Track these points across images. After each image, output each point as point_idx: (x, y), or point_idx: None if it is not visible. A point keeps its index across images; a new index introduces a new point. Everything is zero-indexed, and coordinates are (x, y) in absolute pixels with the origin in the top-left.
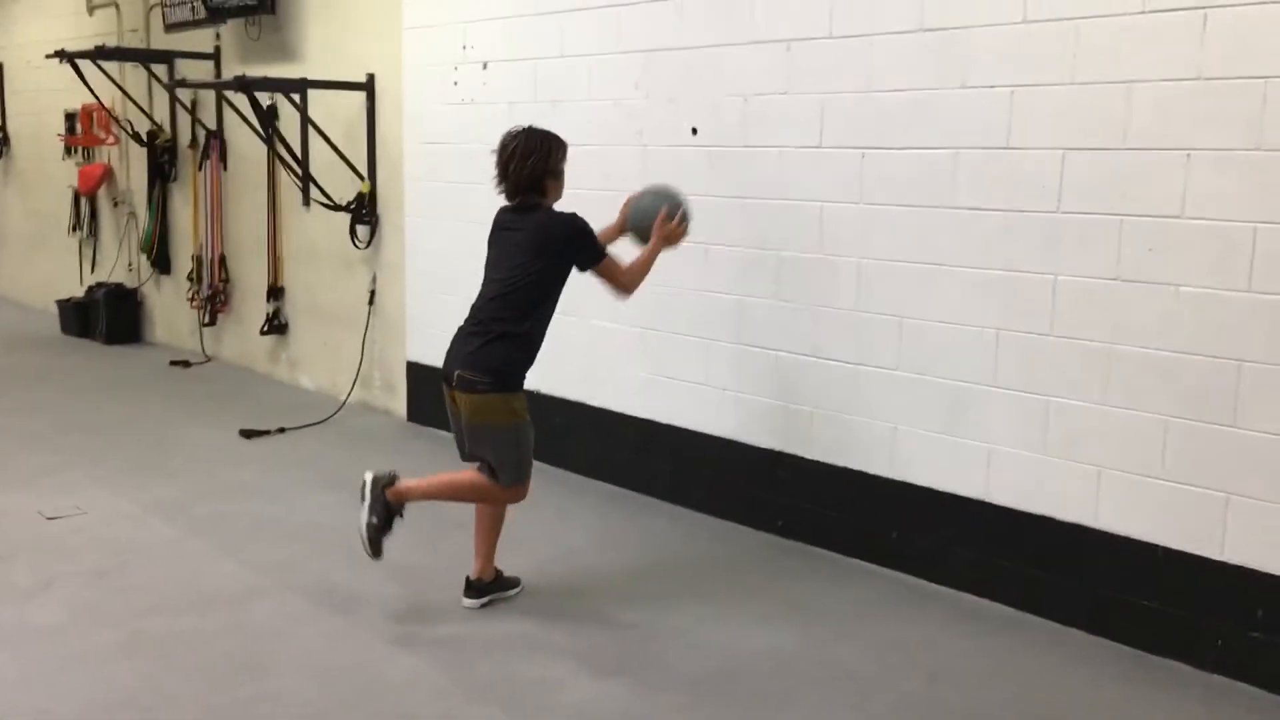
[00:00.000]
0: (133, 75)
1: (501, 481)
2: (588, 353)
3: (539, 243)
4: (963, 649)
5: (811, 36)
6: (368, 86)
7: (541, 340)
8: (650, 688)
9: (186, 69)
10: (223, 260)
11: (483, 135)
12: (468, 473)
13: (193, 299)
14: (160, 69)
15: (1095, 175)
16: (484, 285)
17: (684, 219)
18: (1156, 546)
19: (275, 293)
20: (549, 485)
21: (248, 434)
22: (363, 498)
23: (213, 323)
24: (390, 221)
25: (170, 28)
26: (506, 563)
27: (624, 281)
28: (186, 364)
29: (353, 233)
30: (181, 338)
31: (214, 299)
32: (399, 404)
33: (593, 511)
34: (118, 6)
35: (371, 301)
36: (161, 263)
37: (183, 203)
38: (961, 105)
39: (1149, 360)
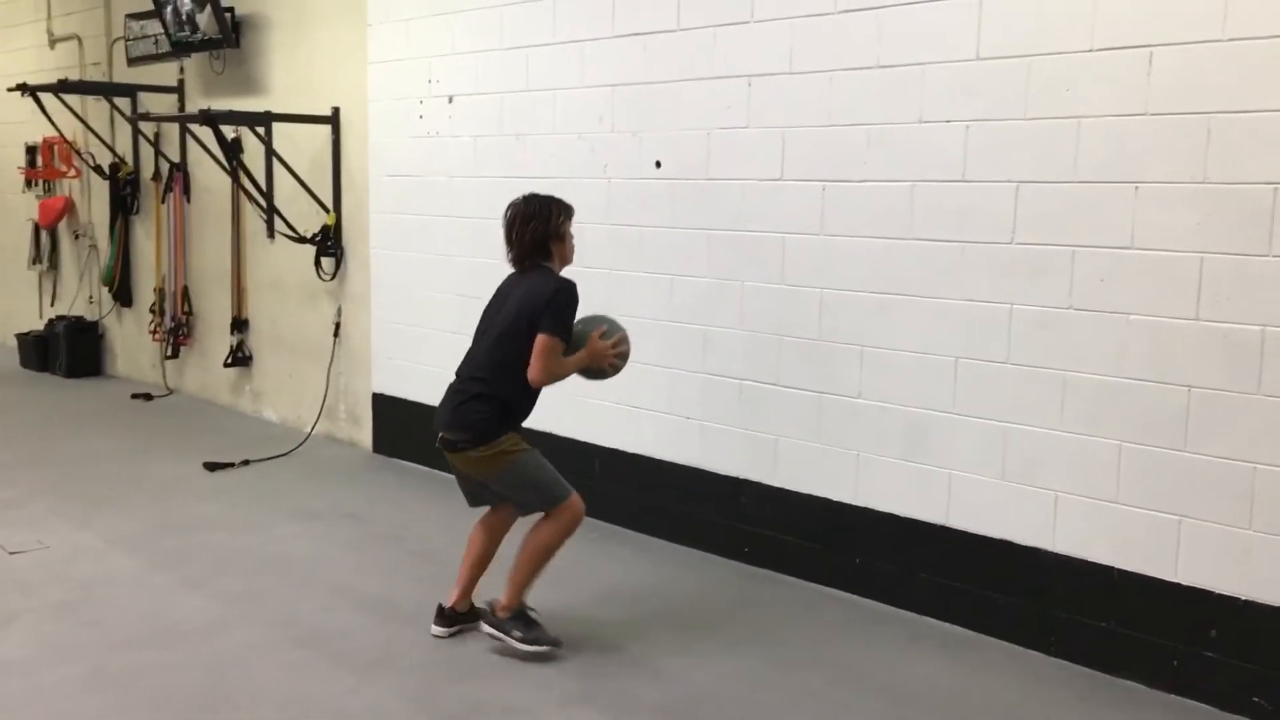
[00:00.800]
0: (95, 108)
1: (543, 509)
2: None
3: (526, 303)
4: (925, 672)
5: (772, 72)
6: (333, 120)
7: (520, 399)
8: (618, 715)
9: (149, 102)
10: (186, 293)
11: (448, 168)
12: (531, 537)
13: (155, 332)
14: (123, 102)
15: (1048, 207)
16: (474, 344)
17: (619, 343)
18: (1112, 569)
19: (239, 325)
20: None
21: (212, 466)
22: (496, 637)
23: (175, 355)
24: (355, 253)
25: (133, 61)
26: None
27: (543, 365)
28: (148, 397)
29: (318, 265)
30: (143, 371)
31: (176, 331)
32: (364, 435)
33: None
34: (80, 40)
35: (336, 333)
36: (123, 295)
37: (145, 235)
38: (918, 139)
39: (1102, 387)
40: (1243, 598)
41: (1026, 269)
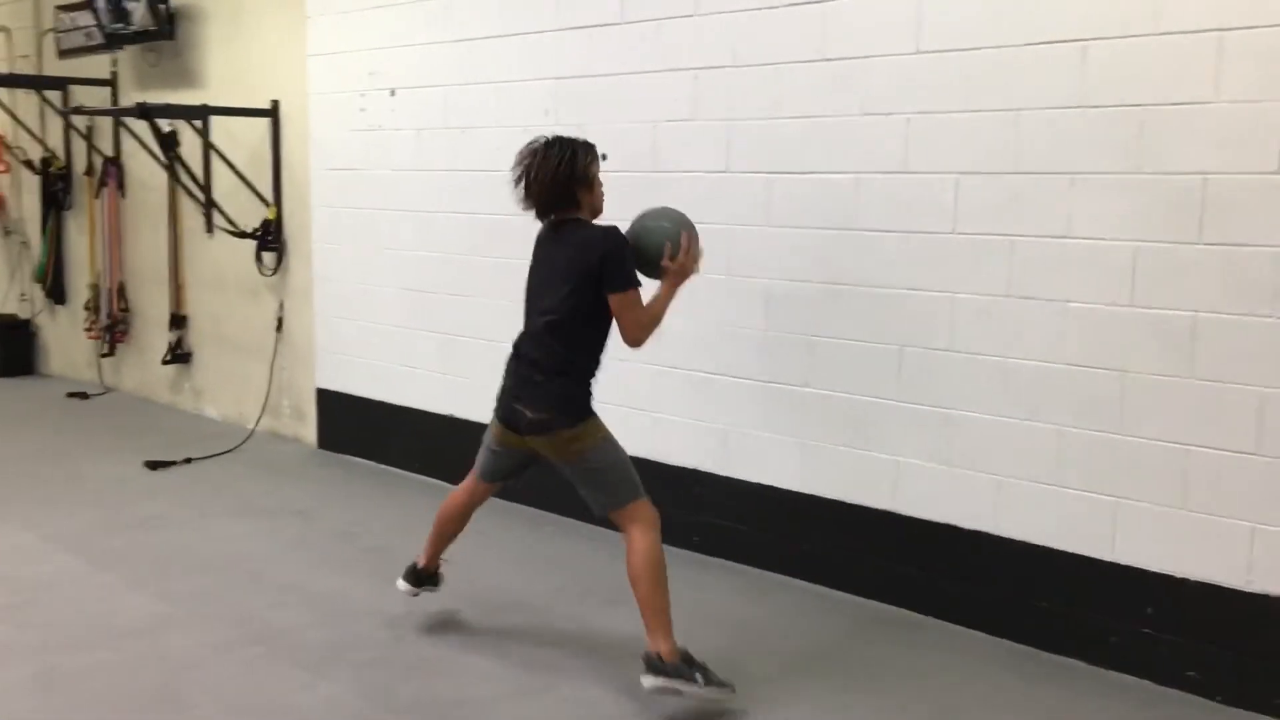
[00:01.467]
0: (25, 101)
1: (625, 508)
2: (498, 374)
3: (580, 266)
4: (872, 655)
5: (717, 65)
6: (272, 113)
7: (599, 366)
8: (581, 703)
9: (82, 96)
10: (122, 289)
11: (392, 161)
12: (637, 564)
13: (90, 329)
14: (54, 95)
15: (988, 198)
16: (528, 315)
17: (692, 246)
18: (1053, 550)
19: (178, 321)
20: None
21: (154, 465)
22: (670, 690)
23: (112, 353)
24: (297, 248)
25: (64, 54)
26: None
27: (640, 326)
28: (85, 395)
29: (259, 259)
30: (78, 369)
31: (113, 329)
32: (309, 431)
33: (510, 534)
34: (8, 32)
35: (279, 329)
36: (56, 293)
37: (78, 231)
38: (862, 132)
39: (1042, 373)
40: (1178, 575)
41: (968, 258)
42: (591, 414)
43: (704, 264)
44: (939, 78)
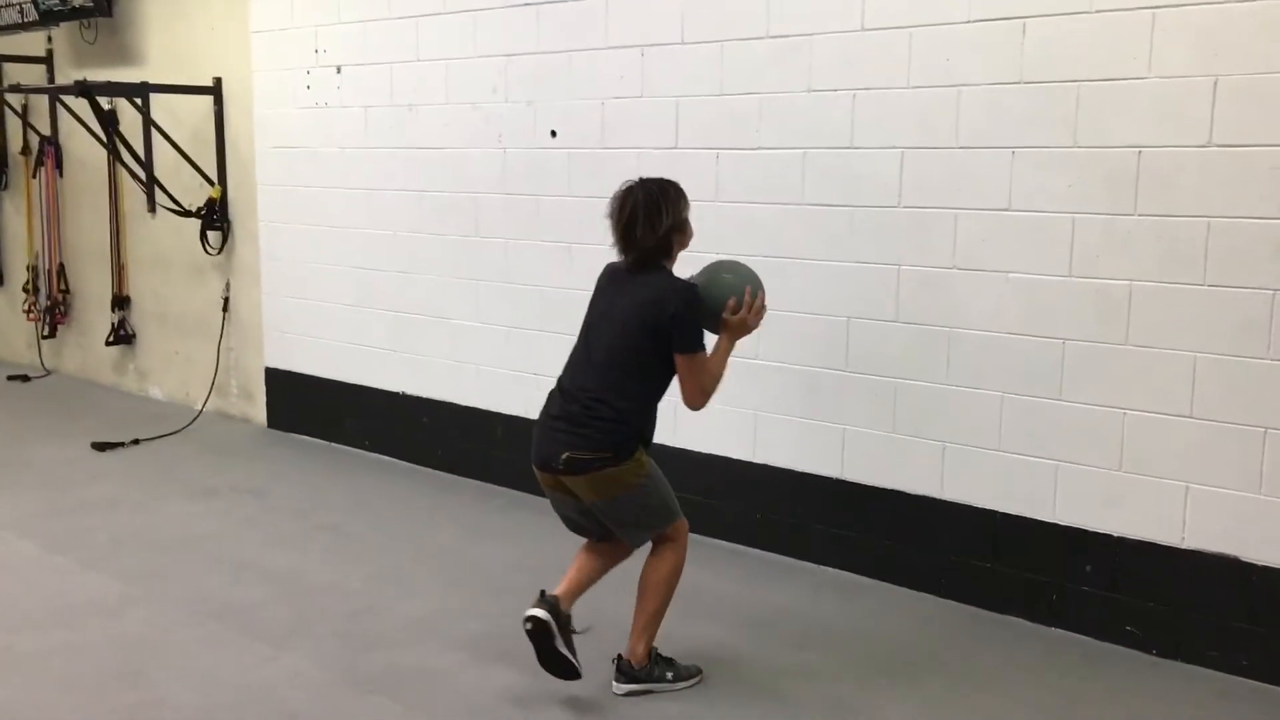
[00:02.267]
0: None
1: (640, 537)
2: (451, 351)
3: (647, 316)
4: (824, 615)
5: (665, 42)
6: (215, 90)
7: (650, 413)
8: (535, 669)
9: (16, 73)
10: (61, 270)
11: (339, 139)
12: (650, 574)
13: (29, 311)
14: None
15: (931, 172)
16: (584, 348)
17: (756, 300)
18: (995, 513)
19: (121, 302)
20: (416, 485)
21: (100, 446)
22: (644, 691)
23: (52, 335)
24: (243, 226)
25: None
26: (385, 558)
27: (696, 388)
28: (25, 378)
29: (203, 238)
30: (17, 351)
31: (53, 310)
32: (258, 411)
33: (462, 508)
34: None
35: (225, 308)
36: None
37: (15, 211)
38: (808, 108)
39: (984, 342)
40: (1115, 534)
41: (912, 232)
42: (637, 452)
43: (764, 321)
44: (882, 55)
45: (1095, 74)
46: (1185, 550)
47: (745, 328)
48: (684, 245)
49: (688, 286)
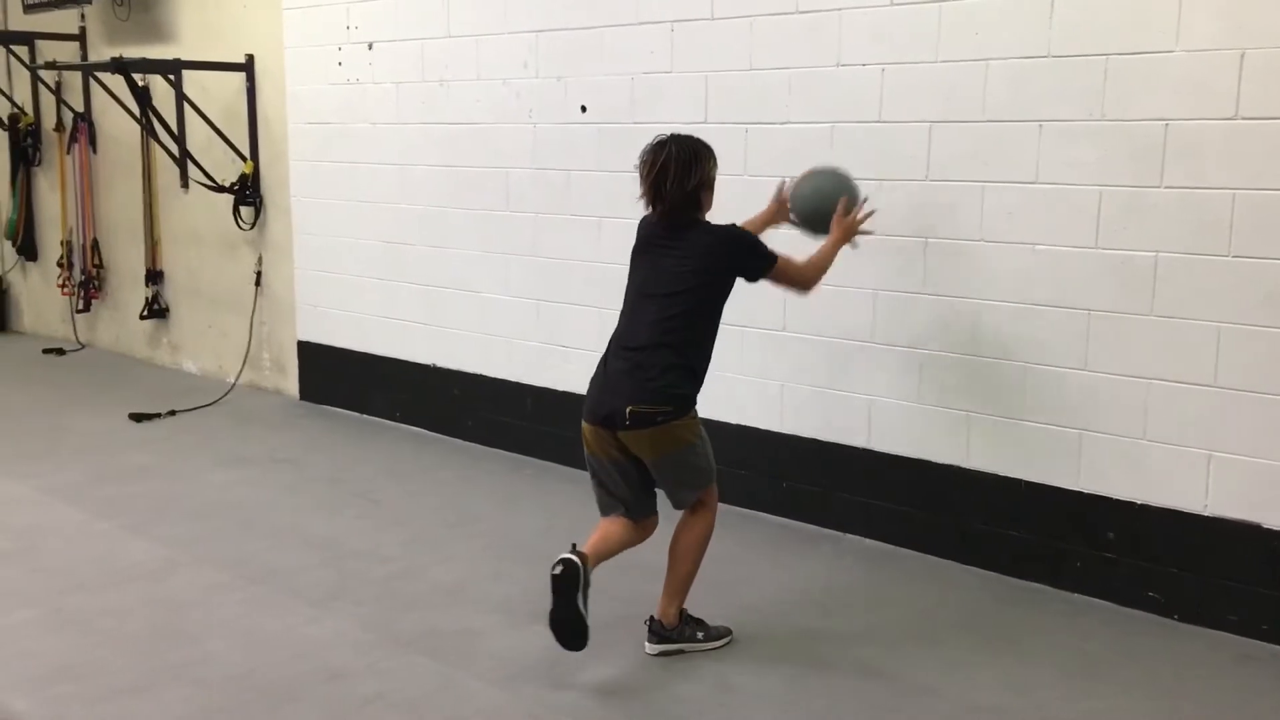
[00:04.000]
0: None
1: (696, 495)
2: (481, 324)
3: (705, 264)
4: (851, 582)
5: (694, 18)
6: (247, 67)
7: (705, 362)
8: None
9: (50, 50)
10: (95, 245)
11: (370, 115)
12: (684, 536)
13: (64, 285)
14: (22, 50)
15: (959, 146)
16: (635, 309)
17: (861, 208)
18: (1020, 481)
19: (154, 276)
20: (446, 455)
21: (138, 417)
22: (675, 652)
23: (86, 309)
24: (275, 202)
25: (29, 8)
26: (419, 525)
27: (806, 278)
28: (60, 351)
29: (236, 214)
30: (52, 325)
31: (87, 285)
32: (290, 383)
33: (493, 477)
34: None
35: (258, 282)
36: (27, 249)
37: (49, 187)
38: (836, 82)
39: (1011, 313)
40: (1138, 501)
41: (940, 204)
42: (692, 407)
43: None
44: (912, 29)
45: (1123, 47)
46: (1207, 517)
47: (853, 229)
48: (711, 202)
49: (733, 227)
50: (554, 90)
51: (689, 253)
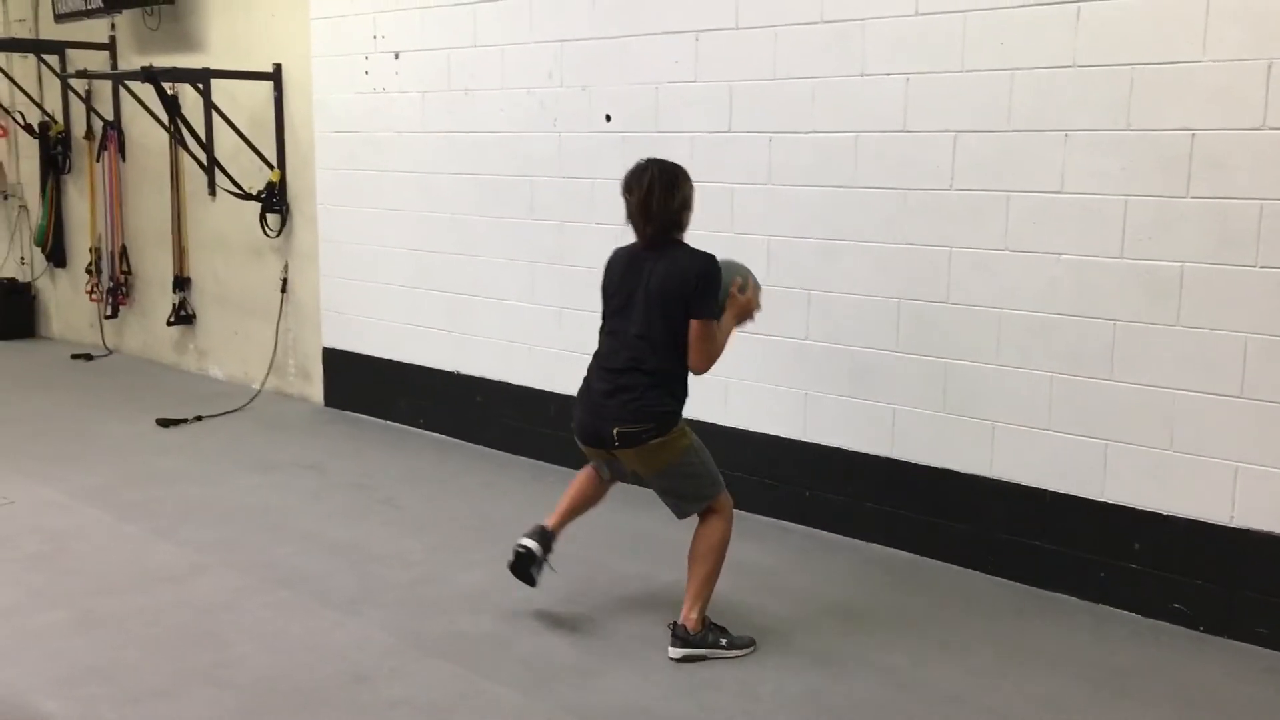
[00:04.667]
0: (21, 66)
1: (700, 505)
2: (504, 331)
3: (673, 284)
4: (873, 591)
5: (719, 27)
6: (275, 76)
7: (685, 381)
8: (592, 635)
9: (81, 59)
10: (124, 252)
11: (396, 124)
12: (700, 543)
13: (92, 292)
14: (52, 59)
15: (983, 155)
16: (615, 329)
17: (754, 289)
18: (1045, 491)
19: (181, 283)
20: (470, 462)
21: (165, 423)
22: (698, 657)
23: (114, 315)
24: (301, 210)
25: (60, 18)
26: (443, 530)
27: (703, 352)
28: (89, 357)
29: (263, 221)
30: (80, 331)
31: (115, 291)
32: (315, 390)
33: (516, 483)
34: None
35: (284, 289)
36: (57, 256)
37: (78, 195)
38: (861, 92)
39: (1035, 322)
40: (1163, 512)
41: (964, 213)
42: (679, 422)
43: (760, 314)
44: (937, 38)
45: (1149, 57)
46: (1234, 529)
47: (749, 309)
48: (688, 226)
49: (709, 256)
50: (579, 99)
51: (670, 272)
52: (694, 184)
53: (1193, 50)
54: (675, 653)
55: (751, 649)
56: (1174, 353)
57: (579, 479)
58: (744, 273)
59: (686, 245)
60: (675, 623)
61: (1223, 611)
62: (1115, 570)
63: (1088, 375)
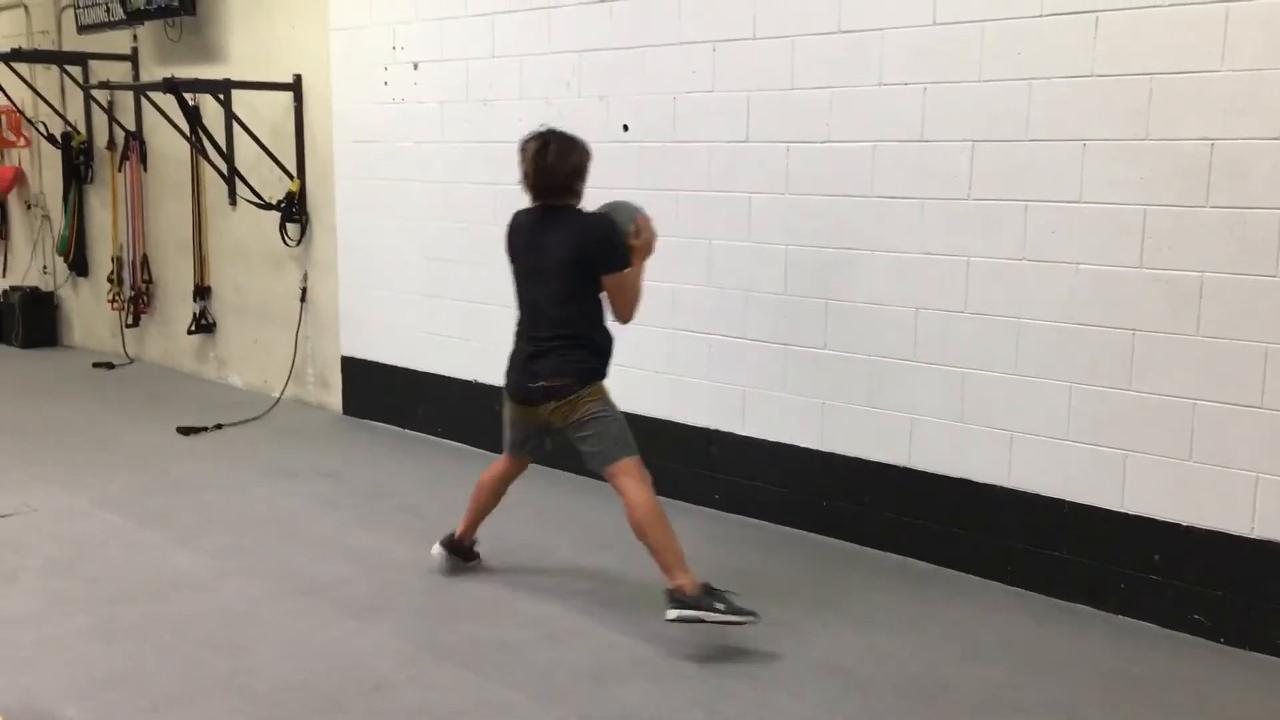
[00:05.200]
0: (44, 76)
1: (618, 463)
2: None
3: (578, 246)
4: (891, 601)
5: (736, 38)
6: (295, 87)
7: (607, 339)
8: (609, 643)
9: (102, 70)
10: (145, 261)
11: (415, 134)
12: (635, 514)
13: (113, 301)
14: (75, 70)
15: (1001, 165)
16: (530, 299)
17: (649, 225)
18: (1063, 501)
19: (202, 292)
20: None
21: (186, 431)
22: (694, 620)
23: (135, 324)
24: (321, 219)
25: (83, 29)
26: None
27: (626, 302)
28: (110, 366)
29: (282, 230)
30: (102, 340)
31: (136, 300)
32: (334, 399)
33: (534, 493)
34: (26, 8)
35: (303, 298)
36: (79, 265)
37: (100, 204)
38: (878, 101)
39: (1053, 332)
40: (1183, 523)
41: (982, 223)
42: (600, 379)
43: (659, 242)
44: (954, 48)
45: (1168, 66)
46: (1254, 539)
47: (649, 248)
48: (582, 196)
49: (604, 215)
50: (596, 109)
51: (571, 241)
52: (591, 156)
53: (1212, 59)
54: (671, 614)
55: (752, 619)
56: (1193, 362)
57: (481, 486)
58: (631, 215)
59: (580, 210)
60: (668, 589)
61: (1243, 623)
62: (1134, 581)
63: (1107, 385)
